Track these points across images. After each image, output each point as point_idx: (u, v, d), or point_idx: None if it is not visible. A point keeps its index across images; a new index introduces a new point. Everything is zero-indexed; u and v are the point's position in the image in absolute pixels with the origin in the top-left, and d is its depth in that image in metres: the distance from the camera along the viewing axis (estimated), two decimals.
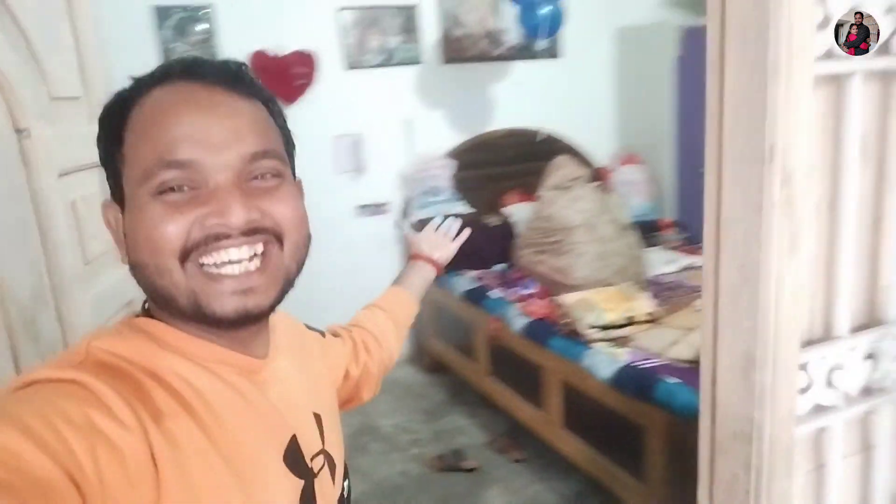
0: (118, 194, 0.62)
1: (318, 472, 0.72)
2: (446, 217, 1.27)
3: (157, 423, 0.56)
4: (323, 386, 0.84)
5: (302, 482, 0.68)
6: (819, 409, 0.74)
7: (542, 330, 2.62)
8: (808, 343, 0.70)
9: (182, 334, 0.63)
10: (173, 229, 0.58)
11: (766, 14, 0.58)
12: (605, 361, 2.29)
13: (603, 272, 2.71)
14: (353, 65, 3.34)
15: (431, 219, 1.26)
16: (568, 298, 2.56)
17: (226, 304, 0.60)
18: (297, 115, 2.95)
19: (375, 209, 3.58)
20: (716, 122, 0.65)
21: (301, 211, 0.65)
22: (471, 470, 2.77)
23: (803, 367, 0.69)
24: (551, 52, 3.55)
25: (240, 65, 0.67)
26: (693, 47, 3.76)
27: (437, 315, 3.43)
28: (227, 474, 0.59)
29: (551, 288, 2.84)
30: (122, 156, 0.60)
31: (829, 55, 0.62)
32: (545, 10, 2.91)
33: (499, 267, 3.22)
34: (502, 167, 3.77)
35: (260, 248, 0.61)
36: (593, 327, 2.42)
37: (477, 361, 3.15)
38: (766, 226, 0.62)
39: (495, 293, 3.04)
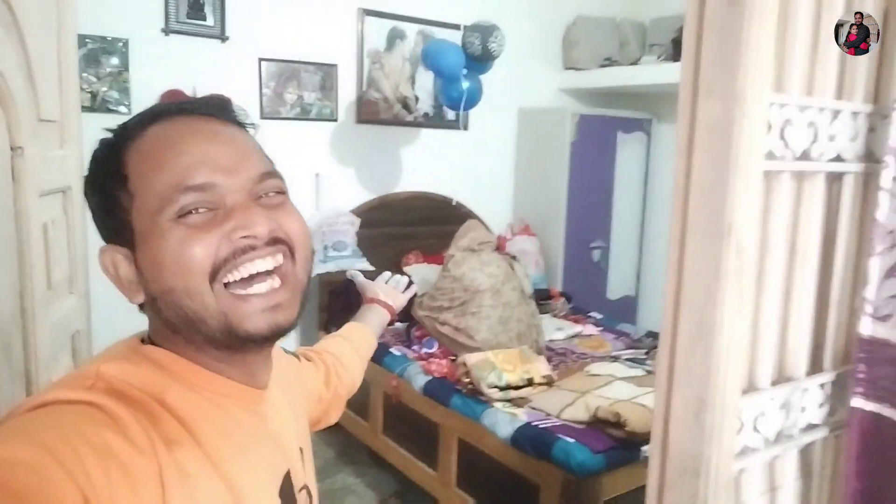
0: (123, 234, 0.63)
1: None
2: (393, 274, 1.34)
3: (168, 448, 0.57)
4: (303, 417, 0.87)
5: None
6: (745, 451, 0.87)
7: (443, 388, 2.68)
8: (742, 391, 0.84)
9: (190, 365, 0.64)
10: (201, 249, 0.60)
11: (731, 118, 0.72)
12: (504, 420, 2.39)
13: (503, 336, 2.84)
14: (269, 115, 3.35)
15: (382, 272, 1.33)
16: (470, 358, 2.66)
17: (258, 322, 0.62)
18: None
19: None
20: (681, 200, 0.78)
21: (306, 225, 0.69)
22: None
23: (739, 412, 0.82)
24: (459, 124, 3.76)
25: (224, 98, 0.72)
26: (585, 133, 4.14)
27: None
28: None
29: (452, 347, 2.93)
30: (129, 192, 0.62)
31: (771, 156, 0.78)
32: (467, 85, 3.11)
33: (399, 325, 3.28)
34: (404, 228, 3.88)
35: (280, 258, 0.64)
36: (493, 387, 2.52)
37: (370, 419, 3.14)
38: (721, 290, 0.75)
39: (396, 351, 3.07)
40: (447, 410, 2.61)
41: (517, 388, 2.54)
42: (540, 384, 2.59)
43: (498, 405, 2.50)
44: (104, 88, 2.94)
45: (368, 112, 3.69)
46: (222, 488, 0.60)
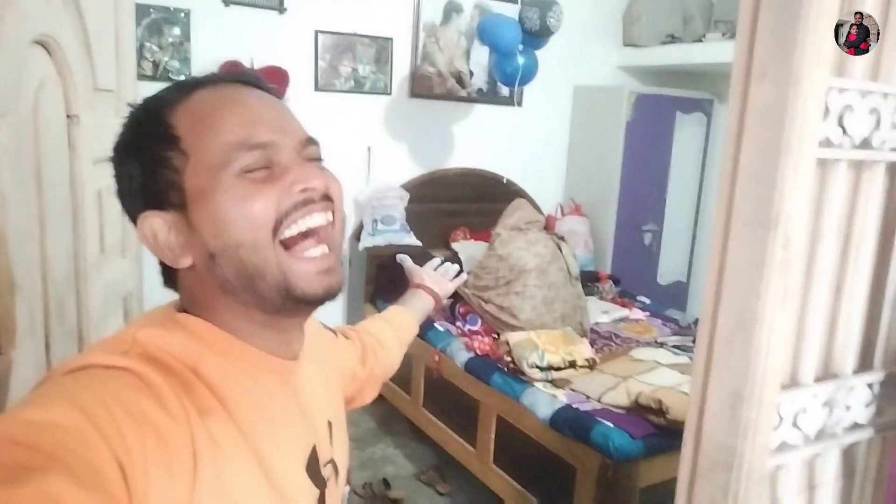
0: (170, 196, 0.63)
1: (328, 481, 0.74)
2: (444, 260, 1.34)
3: (201, 418, 0.57)
4: (335, 392, 0.87)
5: (318, 492, 0.71)
6: (783, 447, 0.84)
7: (484, 365, 2.69)
8: (782, 386, 0.81)
9: (225, 335, 0.65)
10: (264, 202, 0.61)
11: (785, 102, 0.69)
12: (544, 401, 2.38)
13: (547, 317, 2.82)
14: (323, 87, 3.38)
15: (432, 257, 1.33)
16: (512, 337, 2.66)
17: (314, 284, 0.64)
18: None
19: None
20: (727, 188, 0.75)
21: (342, 191, 0.70)
22: (397, 501, 2.78)
23: (777, 407, 0.80)
24: (513, 101, 3.71)
25: (256, 72, 0.73)
26: (642, 113, 4.02)
27: None
28: (260, 478, 0.61)
29: (496, 326, 2.93)
30: (182, 152, 0.62)
31: (827, 143, 0.75)
32: (522, 60, 3.06)
33: (444, 301, 3.29)
34: (453, 204, 3.87)
35: (331, 216, 0.66)
36: (535, 367, 2.51)
37: (412, 392, 3.18)
38: (765, 281, 0.72)
39: (440, 326, 3.09)
40: (488, 388, 2.62)
41: (559, 369, 2.53)
42: (582, 367, 2.57)
43: (538, 385, 2.49)
44: (166, 58, 3.01)
45: (422, 86, 3.68)
46: (252, 461, 0.61)
